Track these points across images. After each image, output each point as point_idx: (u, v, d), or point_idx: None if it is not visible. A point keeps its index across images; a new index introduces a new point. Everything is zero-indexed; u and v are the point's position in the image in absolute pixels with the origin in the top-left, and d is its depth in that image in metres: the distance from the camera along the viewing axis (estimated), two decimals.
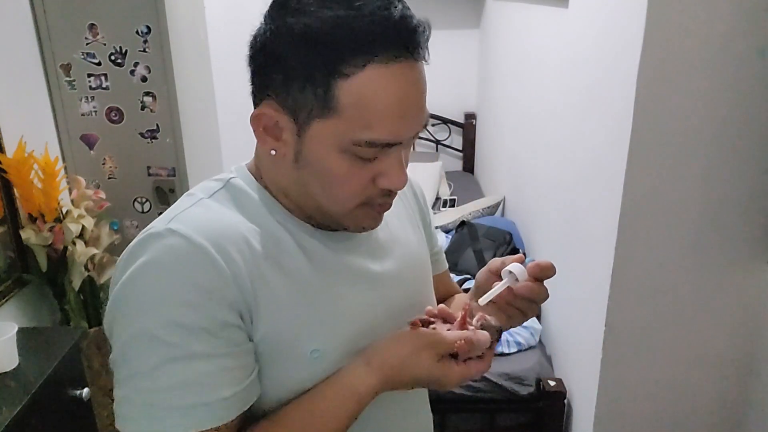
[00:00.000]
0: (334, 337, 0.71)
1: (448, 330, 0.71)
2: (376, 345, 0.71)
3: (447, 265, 1.01)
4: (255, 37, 0.67)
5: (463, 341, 0.68)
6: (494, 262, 0.79)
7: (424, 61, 0.66)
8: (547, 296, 0.77)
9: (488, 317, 0.72)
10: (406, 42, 0.63)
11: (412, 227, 0.87)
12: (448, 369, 0.69)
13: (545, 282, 0.77)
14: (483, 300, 0.73)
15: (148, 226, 0.67)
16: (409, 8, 0.64)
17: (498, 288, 0.73)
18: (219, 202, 0.71)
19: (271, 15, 0.66)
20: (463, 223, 2.81)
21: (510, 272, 0.73)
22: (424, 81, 0.66)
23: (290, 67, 0.63)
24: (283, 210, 0.73)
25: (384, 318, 0.76)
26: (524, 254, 2.59)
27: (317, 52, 0.62)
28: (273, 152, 0.69)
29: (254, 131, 0.69)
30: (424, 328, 0.71)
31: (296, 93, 0.64)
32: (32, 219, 1.71)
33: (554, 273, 0.76)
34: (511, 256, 0.77)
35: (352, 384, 0.69)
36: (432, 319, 0.74)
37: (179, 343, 0.61)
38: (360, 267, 0.76)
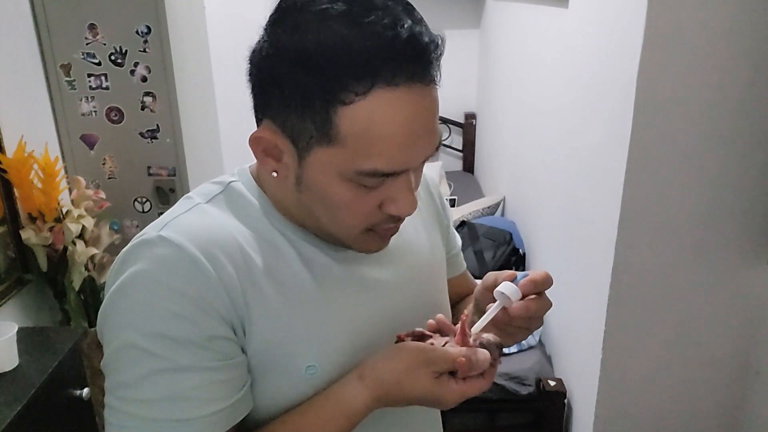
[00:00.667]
0: (331, 353, 0.68)
1: (446, 344, 0.67)
2: (372, 359, 0.67)
3: (465, 266, 0.96)
4: (253, 52, 0.62)
5: (463, 359, 0.63)
6: (487, 279, 0.74)
7: (435, 84, 0.61)
8: (548, 307, 0.72)
9: (485, 335, 0.68)
10: (414, 66, 0.58)
11: (426, 231, 0.83)
12: (445, 388, 0.64)
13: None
14: (476, 328, 0.68)
15: (142, 231, 0.65)
16: (421, 22, 0.59)
17: (490, 313, 0.69)
18: (217, 207, 0.68)
19: (268, 31, 0.60)
20: (463, 223, 2.81)
21: (502, 293, 0.68)
22: (436, 104, 0.62)
23: (287, 91, 0.59)
24: (284, 218, 0.70)
25: (388, 332, 0.71)
26: (524, 254, 2.59)
27: (315, 78, 0.56)
28: (274, 174, 0.66)
29: (254, 153, 0.65)
30: (421, 343, 0.67)
31: (294, 119, 0.60)
32: (32, 219, 1.71)
33: (551, 284, 0.71)
34: (504, 272, 0.72)
35: (344, 399, 0.65)
36: (428, 333, 0.69)
37: (166, 356, 0.60)
38: (365, 276, 0.72)
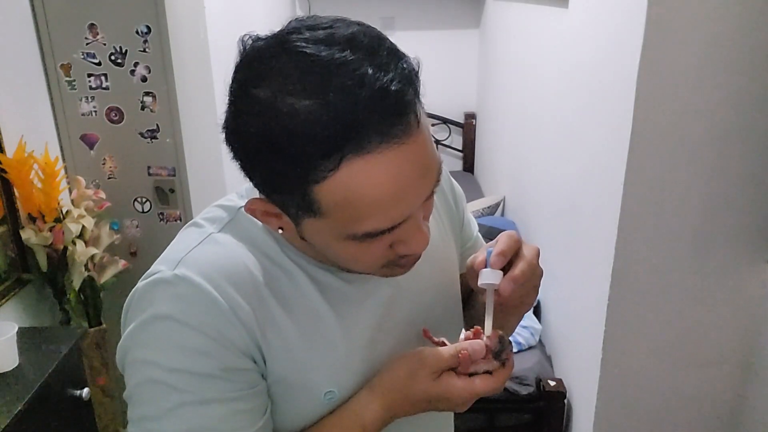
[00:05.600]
0: (349, 377, 0.69)
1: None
2: (380, 371, 0.68)
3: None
4: (224, 125, 0.59)
5: (465, 351, 0.64)
6: (467, 267, 0.72)
7: (417, 129, 0.55)
8: (534, 256, 0.69)
9: (498, 333, 0.68)
10: (382, 126, 0.52)
11: (439, 232, 0.81)
12: (448, 385, 0.65)
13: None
14: (487, 330, 0.67)
15: (157, 266, 0.65)
16: (387, 65, 0.53)
17: (488, 306, 0.68)
18: (228, 235, 0.67)
19: (231, 106, 0.57)
20: None
21: (485, 283, 0.67)
22: (422, 147, 0.56)
23: (260, 174, 0.58)
24: (295, 248, 0.69)
25: (403, 345, 0.72)
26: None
27: (283, 162, 0.54)
28: (280, 231, 0.65)
29: (254, 217, 0.65)
30: (418, 348, 0.67)
31: (276, 196, 0.59)
32: (32, 219, 1.71)
33: (517, 240, 0.69)
34: (475, 258, 0.69)
35: (356, 412, 0.67)
36: (447, 343, 0.69)
37: (190, 389, 0.61)
38: (378, 293, 0.72)
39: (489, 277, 0.66)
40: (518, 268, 0.67)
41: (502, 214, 3.10)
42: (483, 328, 0.68)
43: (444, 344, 0.69)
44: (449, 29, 3.98)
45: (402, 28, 3.87)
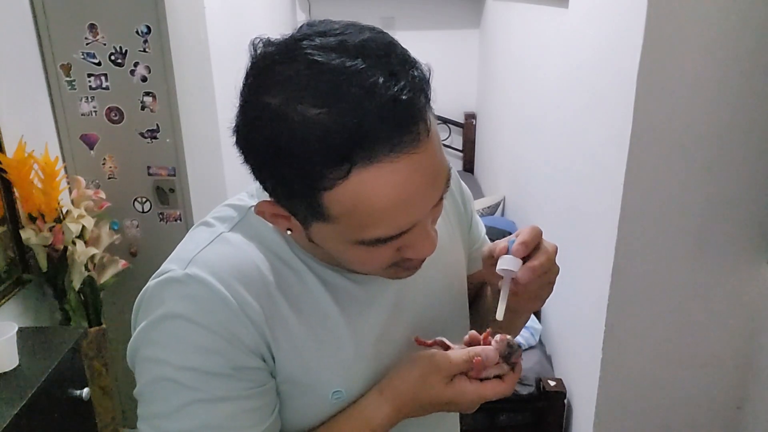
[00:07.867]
0: (356, 378, 0.69)
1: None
2: (389, 373, 0.69)
3: None
4: (234, 131, 0.59)
5: (479, 357, 0.65)
6: (483, 255, 0.71)
7: (426, 138, 0.55)
8: (553, 253, 0.69)
9: (507, 337, 0.68)
10: (393, 137, 0.52)
11: (448, 235, 0.80)
12: (460, 389, 0.66)
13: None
14: (499, 315, 0.67)
15: (168, 265, 0.65)
16: (399, 73, 0.53)
17: (503, 293, 0.68)
18: (239, 234, 0.68)
19: (240, 114, 0.57)
20: None
21: (503, 269, 0.67)
22: (432, 157, 0.56)
23: (269, 180, 0.58)
24: (304, 250, 0.69)
25: (411, 347, 0.72)
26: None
27: (292, 171, 0.54)
28: (289, 232, 0.65)
29: (264, 219, 0.65)
30: (430, 351, 0.68)
31: (285, 201, 0.59)
32: (32, 219, 1.71)
33: (540, 233, 0.68)
34: (496, 245, 0.69)
35: (366, 414, 0.67)
36: (449, 343, 0.70)
37: (201, 387, 0.61)
38: (385, 294, 0.72)
39: (508, 264, 0.66)
40: (538, 259, 0.67)
41: (502, 214, 3.10)
42: (494, 315, 0.68)
43: (443, 343, 0.70)
44: (449, 29, 3.98)
45: (402, 28, 3.87)
